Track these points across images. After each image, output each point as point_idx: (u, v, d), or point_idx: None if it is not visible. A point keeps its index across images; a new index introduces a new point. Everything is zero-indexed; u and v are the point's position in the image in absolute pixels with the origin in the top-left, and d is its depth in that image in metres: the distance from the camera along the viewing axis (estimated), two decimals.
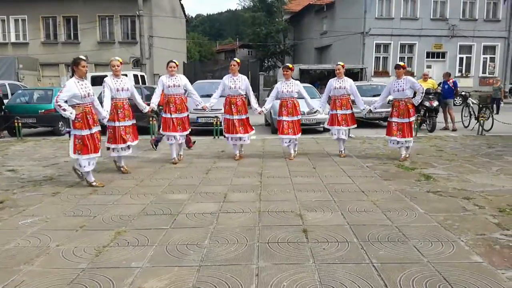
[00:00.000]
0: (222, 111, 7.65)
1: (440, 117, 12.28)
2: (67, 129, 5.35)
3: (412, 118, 7.18)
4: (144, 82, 19.18)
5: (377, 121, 13.39)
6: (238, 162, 7.33)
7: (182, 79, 7.13)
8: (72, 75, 5.55)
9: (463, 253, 3.27)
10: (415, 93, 7.38)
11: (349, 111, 7.71)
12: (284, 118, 7.51)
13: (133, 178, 6.08)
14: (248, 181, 5.86)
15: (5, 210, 4.55)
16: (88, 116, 5.41)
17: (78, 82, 5.33)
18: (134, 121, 6.54)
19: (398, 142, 7.23)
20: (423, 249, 3.34)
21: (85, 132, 5.37)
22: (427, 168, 6.56)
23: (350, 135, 7.81)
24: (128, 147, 6.45)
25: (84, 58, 5.42)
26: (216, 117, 10.22)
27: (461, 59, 28.19)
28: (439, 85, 12.78)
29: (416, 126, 11.12)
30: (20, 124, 11.21)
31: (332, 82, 7.75)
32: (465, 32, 27.09)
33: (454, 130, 12.06)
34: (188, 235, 3.72)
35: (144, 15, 23.18)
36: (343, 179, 5.87)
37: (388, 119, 7.45)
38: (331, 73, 25.84)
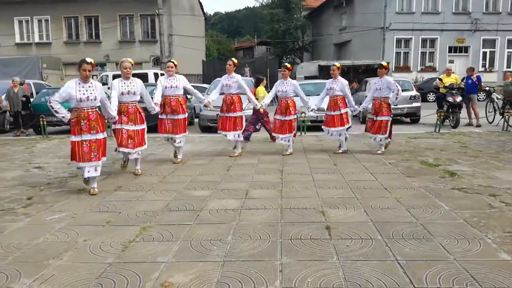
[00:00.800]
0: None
1: (463, 112, 12.04)
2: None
3: (388, 117, 7.42)
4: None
5: (399, 117, 13.21)
6: (259, 158, 7.35)
7: (180, 80, 6.98)
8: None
9: (490, 250, 3.21)
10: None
11: (340, 111, 7.68)
12: (277, 116, 7.64)
13: (156, 175, 6.16)
14: (269, 178, 5.87)
15: (33, 206, 4.67)
16: (82, 121, 4.96)
17: (79, 84, 4.95)
18: (142, 127, 6.13)
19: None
20: (449, 246, 3.29)
21: (74, 138, 4.99)
22: (452, 165, 6.45)
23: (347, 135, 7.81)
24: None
25: (89, 61, 4.95)
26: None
27: (484, 53, 27.55)
28: (462, 80, 12.52)
29: (439, 122, 10.95)
30: (45, 122, 11.49)
31: (327, 83, 7.82)
32: (488, 25, 26.44)
33: (478, 126, 11.82)
34: (212, 231, 3.76)
35: (164, 13, 23.41)
36: (365, 176, 5.82)
37: (368, 116, 7.77)
38: (351, 69, 25.64)
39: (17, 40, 26.53)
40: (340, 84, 7.60)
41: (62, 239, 3.64)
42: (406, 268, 2.93)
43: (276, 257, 3.16)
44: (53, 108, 4.93)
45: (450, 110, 11.77)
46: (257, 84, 10.26)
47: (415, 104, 13.22)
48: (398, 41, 27.06)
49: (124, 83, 5.98)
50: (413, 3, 26.56)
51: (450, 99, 11.60)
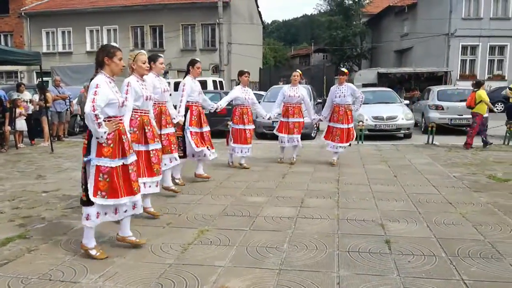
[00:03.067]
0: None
1: None
2: (87, 157, 3.36)
3: (351, 125, 7.29)
4: (222, 88, 19.82)
5: (464, 128, 12.53)
6: (314, 167, 7.28)
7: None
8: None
9: None
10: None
11: (301, 119, 7.49)
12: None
13: (213, 180, 6.28)
14: (325, 187, 5.79)
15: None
16: (123, 136, 3.47)
17: (110, 82, 3.41)
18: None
19: (335, 147, 7.37)
20: None
21: (115, 163, 3.38)
22: None
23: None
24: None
25: (118, 47, 3.52)
26: (273, 121, 10.01)
27: None
28: None
29: (508, 134, 10.26)
30: None
31: (285, 90, 7.51)
32: None
33: None
34: (267, 237, 3.77)
35: (224, 23, 23.95)
36: (428, 189, 5.57)
37: (328, 123, 7.47)
38: (412, 77, 24.74)
39: (88, 48, 28.27)
40: (304, 92, 7.47)
41: None
42: None
43: (333, 269, 3.11)
44: (98, 118, 3.21)
45: None
46: (477, 87, 9.83)
47: None
48: (464, 47, 25.70)
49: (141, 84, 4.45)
50: (481, 8, 25.13)
51: None
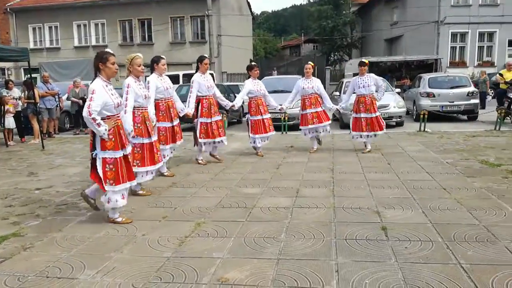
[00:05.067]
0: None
1: None
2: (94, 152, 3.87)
3: (378, 113, 7.49)
4: (213, 80, 19.76)
5: (455, 115, 12.63)
6: (308, 157, 7.29)
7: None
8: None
9: None
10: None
11: (319, 109, 7.59)
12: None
13: (208, 172, 6.27)
14: (320, 176, 5.80)
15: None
16: (121, 131, 3.98)
17: (107, 86, 3.86)
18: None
19: (367, 136, 7.47)
20: None
21: (118, 154, 3.89)
22: None
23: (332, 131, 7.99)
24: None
25: (112, 52, 3.98)
26: (285, 112, 10.16)
27: None
28: None
29: (499, 119, 10.36)
30: None
31: (300, 83, 7.65)
32: None
33: None
34: (264, 228, 3.77)
35: (213, 14, 23.77)
36: (422, 176, 5.60)
37: (354, 115, 7.54)
38: (403, 65, 24.80)
39: (76, 43, 27.91)
40: (317, 83, 7.63)
41: (122, 233, 3.79)
42: (470, 272, 2.78)
43: (331, 257, 3.12)
44: (95, 120, 3.68)
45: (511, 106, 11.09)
46: None
47: (473, 101, 12.59)
48: (454, 35, 25.80)
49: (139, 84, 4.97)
50: None
51: (511, 95, 10.93)
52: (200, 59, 6.61)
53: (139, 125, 4.80)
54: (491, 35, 25.86)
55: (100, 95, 3.72)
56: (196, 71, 6.63)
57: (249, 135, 7.49)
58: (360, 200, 4.55)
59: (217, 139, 6.72)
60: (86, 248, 3.47)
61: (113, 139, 3.82)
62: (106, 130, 3.72)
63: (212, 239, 3.56)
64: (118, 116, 3.96)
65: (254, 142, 7.48)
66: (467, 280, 2.68)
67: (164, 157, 5.79)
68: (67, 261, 3.21)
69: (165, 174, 6.08)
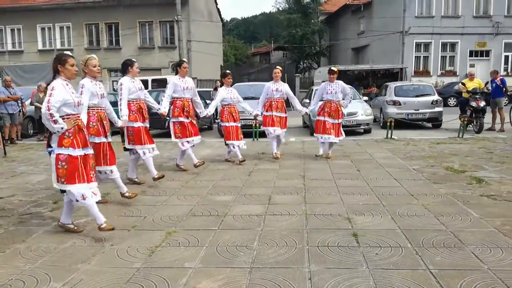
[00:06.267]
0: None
1: (488, 117, 11.79)
2: (49, 149, 3.84)
3: (341, 120, 7.71)
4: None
5: (420, 122, 13.02)
6: (279, 164, 7.32)
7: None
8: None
9: None
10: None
11: (283, 115, 7.79)
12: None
13: (178, 180, 6.18)
14: (291, 183, 5.82)
15: (59, 210, 4.67)
16: (84, 130, 3.99)
17: (67, 84, 3.85)
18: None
19: (328, 139, 7.61)
20: (482, 255, 3.20)
21: (76, 153, 3.79)
22: (478, 171, 6.30)
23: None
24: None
25: (71, 54, 3.96)
26: (255, 119, 10.22)
27: (506, 57, 26.95)
28: (486, 84, 12.27)
29: (462, 128, 10.74)
30: None
31: (268, 86, 7.79)
32: (510, 29, 25.88)
33: (501, 131, 11.55)
34: (237, 236, 3.74)
35: (183, 20, 23.61)
36: (390, 182, 5.73)
37: (318, 117, 7.73)
38: (369, 74, 25.42)
39: (40, 47, 27.05)
40: (285, 87, 7.80)
41: (89, 243, 3.67)
42: (439, 277, 2.85)
43: (304, 264, 3.12)
44: (52, 116, 3.64)
45: (474, 115, 11.53)
46: None
47: (437, 109, 13.01)
48: (418, 45, 26.72)
49: (96, 84, 4.84)
50: (433, 7, 26.20)
51: (473, 103, 11.38)
52: (179, 64, 6.72)
53: (94, 124, 4.73)
54: (453, 45, 26.94)
55: (59, 92, 3.72)
56: (176, 75, 6.76)
57: (225, 143, 7.51)
58: (331, 206, 4.60)
59: (195, 138, 6.71)
60: (52, 260, 3.33)
61: (71, 137, 3.78)
62: (62, 129, 3.71)
63: (184, 248, 3.49)
64: (79, 116, 3.97)
65: (234, 147, 7.46)
66: (436, 286, 2.74)
67: (144, 154, 5.75)
68: (31, 273, 3.07)
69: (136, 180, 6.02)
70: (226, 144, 7.52)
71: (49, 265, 3.21)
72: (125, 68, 5.77)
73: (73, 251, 3.50)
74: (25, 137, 12.35)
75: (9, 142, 10.86)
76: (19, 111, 11.54)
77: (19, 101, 11.50)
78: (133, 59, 5.93)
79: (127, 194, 4.89)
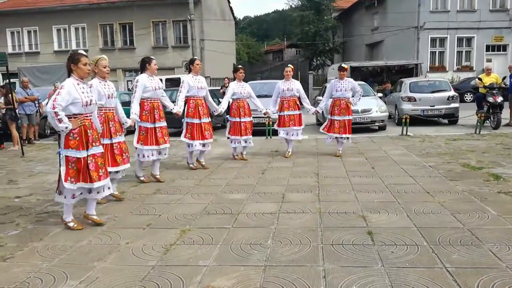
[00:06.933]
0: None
1: (505, 113, 11.56)
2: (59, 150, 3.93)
3: (351, 116, 7.72)
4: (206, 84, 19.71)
5: (436, 119, 12.84)
6: (293, 161, 7.30)
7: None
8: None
9: None
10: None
11: (296, 112, 7.72)
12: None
13: (192, 178, 6.21)
14: (305, 181, 5.80)
15: (76, 209, 4.73)
16: (88, 131, 3.98)
17: (78, 84, 3.91)
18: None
19: (340, 138, 7.67)
20: (500, 253, 3.14)
21: (81, 154, 3.90)
22: (495, 168, 6.19)
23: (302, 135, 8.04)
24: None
25: (85, 53, 4.04)
26: (269, 117, 10.20)
27: None
28: (503, 79, 12.03)
29: (479, 124, 10.56)
30: None
31: (279, 85, 7.77)
32: None
33: None
34: (251, 234, 3.74)
35: (196, 19, 23.71)
36: (405, 179, 5.66)
37: (329, 117, 7.73)
38: (384, 70, 25.13)
39: (56, 48, 27.46)
40: (297, 85, 7.79)
41: (105, 241, 3.71)
42: (455, 275, 2.81)
43: (318, 262, 3.11)
44: (57, 115, 3.71)
45: (491, 110, 11.32)
46: None
47: (453, 105, 12.80)
48: (433, 40, 26.34)
49: (104, 85, 4.90)
50: (448, 1, 25.78)
51: (490, 99, 11.17)
52: (191, 61, 6.74)
53: (100, 125, 4.64)
54: (469, 40, 26.48)
55: (68, 91, 3.78)
56: (189, 73, 6.75)
57: (227, 137, 7.59)
58: (346, 204, 4.56)
59: (206, 141, 6.71)
60: (68, 258, 3.38)
61: (77, 138, 3.85)
62: (66, 128, 3.76)
63: (198, 246, 3.51)
64: (87, 116, 3.99)
65: (233, 143, 7.51)
66: (453, 284, 2.70)
67: (143, 157, 5.86)
68: (48, 271, 3.12)
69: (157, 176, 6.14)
70: (228, 138, 7.58)
71: (66, 263, 3.26)
72: (143, 65, 5.81)
73: (89, 249, 3.54)
74: (42, 137, 12.57)
75: (26, 142, 11.06)
76: (36, 111, 11.74)
77: (36, 102, 11.70)
78: (151, 56, 5.97)
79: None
